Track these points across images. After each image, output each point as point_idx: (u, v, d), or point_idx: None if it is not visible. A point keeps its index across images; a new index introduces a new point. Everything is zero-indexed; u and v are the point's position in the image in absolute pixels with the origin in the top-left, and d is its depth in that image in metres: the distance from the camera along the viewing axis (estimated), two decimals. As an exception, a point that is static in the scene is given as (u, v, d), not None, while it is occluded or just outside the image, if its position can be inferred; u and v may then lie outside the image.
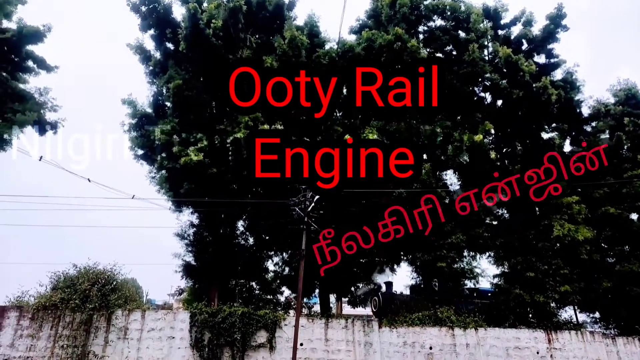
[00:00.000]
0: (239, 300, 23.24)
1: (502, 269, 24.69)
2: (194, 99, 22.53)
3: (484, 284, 24.68)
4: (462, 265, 23.56)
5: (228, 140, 21.41)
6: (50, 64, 24.66)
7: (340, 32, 24.41)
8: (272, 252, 26.24)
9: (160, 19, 23.73)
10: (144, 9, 23.49)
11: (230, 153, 21.54)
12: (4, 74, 23.63)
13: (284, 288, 26.13)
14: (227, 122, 22.28)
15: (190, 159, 20.32)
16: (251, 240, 25.97)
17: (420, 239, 22.69)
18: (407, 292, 25.70)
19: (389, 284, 24.87)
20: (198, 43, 22.13)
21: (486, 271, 24.19)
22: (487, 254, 24.86)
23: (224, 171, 21.65)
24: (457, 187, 25.43)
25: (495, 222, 25.43)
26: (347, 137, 21.40)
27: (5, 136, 22.07)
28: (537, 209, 24.81)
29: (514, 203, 25.23)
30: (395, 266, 25.09)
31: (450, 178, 25.82)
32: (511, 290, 22.69)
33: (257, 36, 24.69)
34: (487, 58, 26.32)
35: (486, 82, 25.93)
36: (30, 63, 24.53)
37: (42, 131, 24.18)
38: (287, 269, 25.92)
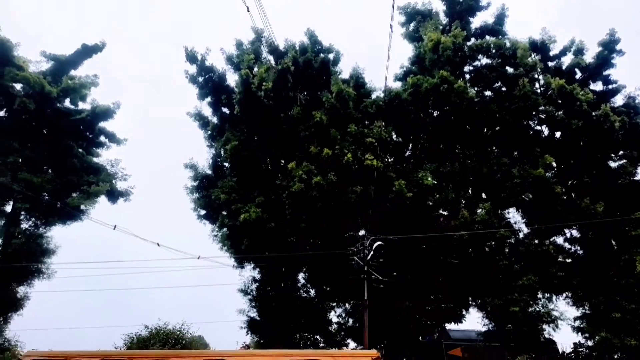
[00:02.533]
0: (304, 355, 22.85)
1: (583, 311, 22.79)
2: (250, 158, 23.57)
3: (564, 328, 22.82)
4: (537, 309, 22.00)
5: (284, 195, 22.03)
6: (119, 137, 26.93)
7: (386, 80, 25.00)
8: (334, 304, 25.89)
9: (215, 87, 25.45)
10: (200, 79, 25.36)
11: (286, 207, 22.07)
12: (80, 150, 26.01)
13: (349, 340, 25.48)
14: (281, 177, 22.98)
15: (249, 215, 20.98)
16: (312, 292, 25.85)
17: (489, 282, 21.65)
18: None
19: None
20: (251, 105, 23.39)
21: (565, 314, 22.41)
22: (564, 294, 23.13)
23: (281, 225, 22.10)
24: (522, 225, 24.28)
25: (569, 260, 23.77)
26: (398, 183, 21.27)
27: (82, 207, 23.95)
28: (613, 242, 23.05)
29: (587, 238, 23.70)
30: (464, 312, 23.89)
31: (514, 216, 24.73)
32: (596, 334, 20.81)
33: (305, 93, 25.75)
34: (539, 91, 25.68)
35: (541, 115, 25.16)
36: (102, 138, 26.93)
37: (113, 200, 26.06)
38: (350, 321, 25.38)
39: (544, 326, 22.13)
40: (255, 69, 24.40)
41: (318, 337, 25.13)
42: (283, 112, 24.10)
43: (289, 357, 7.93)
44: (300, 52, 25.46)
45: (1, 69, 23.47)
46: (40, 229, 24.50)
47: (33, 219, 24.45)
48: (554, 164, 24.03)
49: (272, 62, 25.91)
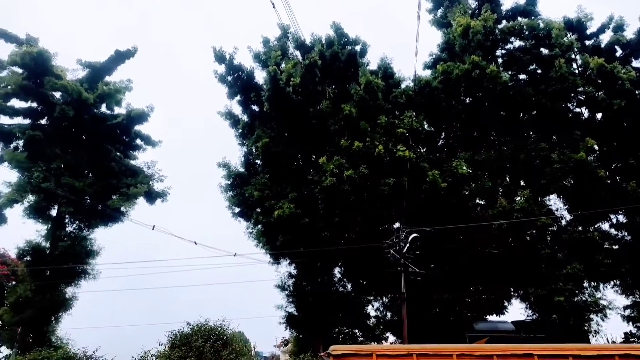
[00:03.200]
0: (343, 349, 22.86)
1: (633, 299, 21.84)
2: (281, 154, 23.68)
3: (614, 317, 21.86)
4: (583, 298, 21.25)
5: (316, 190, 22.02)
6: (154, 139, 27.60)
7: (415, 69, 24.42)
8: (372, 297, 25.79)
9: (244, 85, 25.63)
10: (229, 78, 25.59)
11: (319, 201, 22.07)
12: (118, 153, 26.81)
13: (388, 334, 25.33)
14: (313, 172, 22.97)
15: (282, 211, 21.10)
16: (349, 287, 25.82)
17: (531, 272, 21.03)
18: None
19: None
20: (280, 101, 23.46)
21: (613, 302, 21.53)
22: (612, 282, 22.22)
23: (315, 220, 22.12)
24: (565, 212, 23.44)
25: (616, 247, 22.77)
26: (431, 174, 20.86)
27: (122, 209, 24.71)
28: (664, 227, 21.93)
29: (634, 223, 22.65)
30: (505, 303, 23.30)
31: (555, 203, 23.90)
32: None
33: (333, 86, 25.59)
34: (576, 71, 24.63)
35: (580, 97, 24.12)
36: (138, 141, 27.65)
37: (151, 201, 26.74)
38: (389, 314, 25.22)
39: (592, 316, 21.36)
40: (283, 65, 24.43)
41: (357, 331, 25.11)
42: (312, 107, 24.05)
43: (589, 351, 8.18)
44: (327, 46, 25.31)
45: (41, 79, 24.43)
46: (84, 231, 25.45)
47: (77, 222, 25.41)
48: (596, 147, 23.05)
49: (299, 57, 25.87)
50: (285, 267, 25.30)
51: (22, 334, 22.70)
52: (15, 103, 25.26)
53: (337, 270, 25.75)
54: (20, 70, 24.81)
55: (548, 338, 20.97)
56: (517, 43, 25.57)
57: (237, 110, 26.68)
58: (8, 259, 29.23)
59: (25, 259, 24.07)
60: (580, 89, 23.34)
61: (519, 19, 25.92)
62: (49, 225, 24.62)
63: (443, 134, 26.26)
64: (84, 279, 24.76)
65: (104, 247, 25.54)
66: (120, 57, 26.55)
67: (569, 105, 24.54)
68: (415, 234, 19.52)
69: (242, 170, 25.83)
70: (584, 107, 24.63)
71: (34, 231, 24.85)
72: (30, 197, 23.85)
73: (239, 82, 25.65)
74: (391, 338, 25.56)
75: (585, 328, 21.57)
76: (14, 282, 27.18)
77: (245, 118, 26.47)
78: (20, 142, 24.96)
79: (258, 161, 25.42)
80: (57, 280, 23.65)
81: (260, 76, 26.01)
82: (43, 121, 25.84)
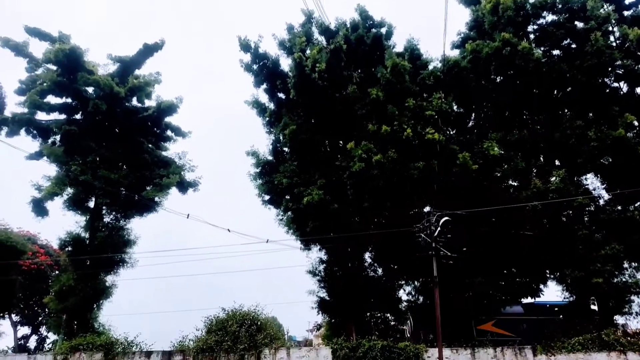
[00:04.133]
0: (375, 332, 23.04)
1: (678, 279, 21.04)
2: (309, 141, 23.70)
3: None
4: (623, 279, 20.65)
5: (345, 175, 22.00)
6: (184, 130, 28.11)
7: (444, 49, 23.80)
8: (403, 282, 25.74)
9: (270, 73, 25.66)
10: (255, 67, 25.64)
11: (348, 187, 22.05)
12: (150, 145, 27.44)
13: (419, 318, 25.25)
14: (341, 158, 22.93)
15: (312, 198, 21.19)
16: (380, 271, 25.82)
17: (568, 254, 20.52)
18: None
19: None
20: (306, 88, 23.40)
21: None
22: (655, 263, 21.44)
23: (344, 206, 22.14)
24: (602, 192, 22.67)
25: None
26: (462, 156, 20.45)
27: (156, 199, 25.37)
28: None
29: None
30: (541, 286, 22.86)
31: (593, 182, 23.14)
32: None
33: (359, 70, 25.33)
34: (614, 44, 23.54)
35: (618, 71, 23.07)
36: (169, 132, 28.21)
37: (183, 190, 27.34)
38: (421, 298, 25.15)
39: (632, 297, 20.78)
40: (308, 52, 24.28)
41: (388, 315, 25.19)
42: (338, 92, 23.90)
43: None
44: (352, 30, 25.01)
45: (75, 75, 25.13)
46: (121, 221, 26.30)
47: (113, 212, 26.27)
48: (636, 123, 22.08)
49: (324, 42, 25.67)
50: (316, 253, 25.51)
51: (67, 320, 23.77)
52: (51, 99, 26.12)
53: (367, 255, 25.78)
54: (54, 67, 25.56)
55: (558, 320, 20.71)
56: (550, 17, 24.60)
57: (264, 98, 26.78)
58: (51, 249, 30.54)
59: (66, 249, 25.09)
60: (619, 62, 22.36)
61: (552, -9, 24.89)
62: (88, 217, 25.53)
63: (473, 114, 25.69)
64: (122, 267, 25.67)
65: (140, 236, 26.37)
66: (148, 50, 26.97)
67: (606, 80, 23.55)
68: (446, 218, 19.29)
69: (270, 158, 26.02)
70: (623, 82, 23.59)
71: (74, 222, 25.88)
72: (69, 190, 24.76)
73: (264, 70, 25.68)
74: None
75: (626, 310, 21.06)
76: (57, 272, 28.41)
77: (272, 106, 26.54)
78: (58, 137, 25.88)
79: (286, 148, 25.52)
80: (97, 269, 24.58)
81: (286, 63, 25.99)
82: (78, 116, 26.63)
